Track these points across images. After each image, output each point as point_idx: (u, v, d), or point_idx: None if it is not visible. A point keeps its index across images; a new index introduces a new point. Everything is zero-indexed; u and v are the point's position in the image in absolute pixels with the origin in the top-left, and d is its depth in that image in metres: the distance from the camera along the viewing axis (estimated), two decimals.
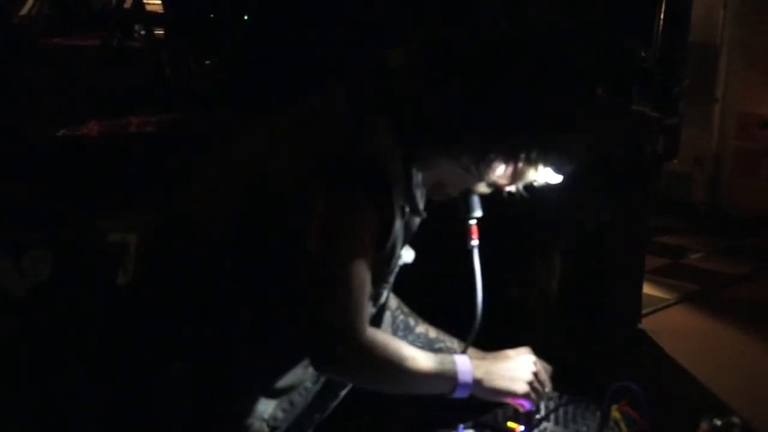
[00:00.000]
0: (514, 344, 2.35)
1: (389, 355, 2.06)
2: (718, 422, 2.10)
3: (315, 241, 2.00)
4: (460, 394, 2.17)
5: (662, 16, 4.57)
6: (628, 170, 4.47)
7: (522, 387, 2.25)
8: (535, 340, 2.45)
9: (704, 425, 2.10)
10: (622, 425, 2.18)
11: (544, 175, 2.21)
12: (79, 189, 3.58)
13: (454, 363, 2.15)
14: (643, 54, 4.50)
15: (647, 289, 5.34)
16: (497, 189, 2.25)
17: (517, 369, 2.26)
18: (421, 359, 2.11)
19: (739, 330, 5.32)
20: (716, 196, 7.84)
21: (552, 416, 2.28)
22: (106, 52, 4.93)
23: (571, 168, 2.21)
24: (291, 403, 2.19)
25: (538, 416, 2.30)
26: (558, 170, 2.20)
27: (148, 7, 5.19)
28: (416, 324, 2.54)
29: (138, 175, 3.75)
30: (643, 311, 5.15)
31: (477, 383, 2.18)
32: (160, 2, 5.18)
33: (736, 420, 2.11)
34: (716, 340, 5.20)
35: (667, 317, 5.53)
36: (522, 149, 2.13)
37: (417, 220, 2.27)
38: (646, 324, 5.11)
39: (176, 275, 2.14)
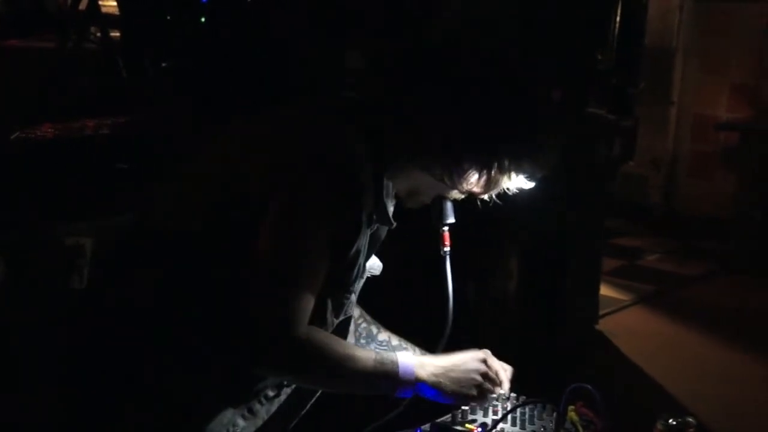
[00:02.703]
0: (470, 346, 2.35)
1: (326, 355, 2.05)
2: (674, 422, 2.10)
3: (266, 239, 1.99)
4: (403, 394, 2.17)
5: (618, 19, 4.60)
6: (585, 172, 4.49)
7: (468, 390, 2.24)
8: (492, 342, 2.44)
9: (660, 425, 2.11)
10: (579, 426, 2.19)
11: (516, 182, 2.22)
12: (34, 192, 3.55)
13: (395, 363, 2.14)
14: (599, 57, 4.52)
15: (604, 290, 5.37)
16: (471, 196, 2.25)
17: (464, 371, 2.24)
18: (361, 359, 2.09)
19: (694, 330, 5.37)
20: (672, 198, 7.90)
21: (509, 417, 2.28)
22: (61, 55, 4.89)
23: (542, 174, 2.21)
24: (251, 411, 2.17)
25: (494, 417, 2.30)
26: (530, 177, 2.21)
27: (104, 9, 5.16)
28: (378, 332, 2.54)
29: (93, 178, 3.73)
30: (600, 312, 5.18)
31: (421, 384, 2.17)
32: (115, 4, 5.15)
33: (691, 420, 2.12)
34: (672, 341, 5.24)
35: (623, 318, 5.56)
36: (495, 158, 2.14)
37: (384, 230, 2.27)
38: (603, 325, 5.14)
39: (134, 280, 2.13)
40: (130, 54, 4.90)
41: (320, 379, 2.14)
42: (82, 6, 5.07)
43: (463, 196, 2.27)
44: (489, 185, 2.19)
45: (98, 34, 5.11)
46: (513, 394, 2.41)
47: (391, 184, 2.20)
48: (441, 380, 2.20)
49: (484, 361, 2.28)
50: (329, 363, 2.06)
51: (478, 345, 2.37)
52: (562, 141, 2.28)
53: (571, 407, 2.21)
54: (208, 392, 2.10)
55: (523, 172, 2.19)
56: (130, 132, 4.13)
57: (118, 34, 5.13)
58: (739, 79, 7.47)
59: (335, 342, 2.09)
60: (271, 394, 2.19)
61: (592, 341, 4.96)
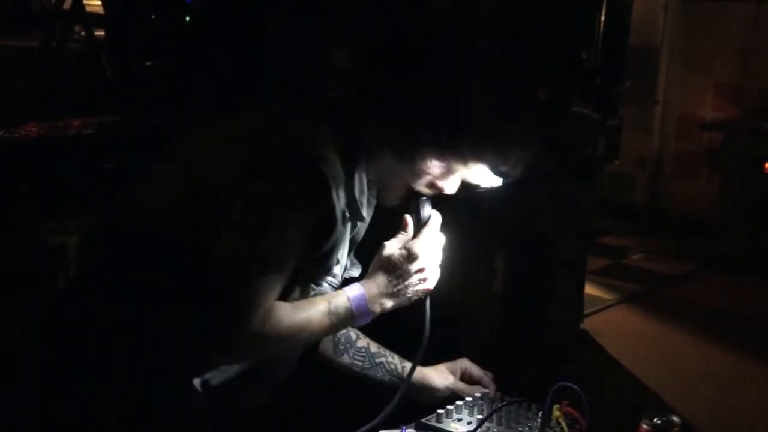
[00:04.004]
0: (457, 345, 2.36)
1: (284, 335, 2.08)
2: (658, 421, 2.11)
3: (231, 236, 2.03)
4: (363, 323, 2.23)
5: (603, 18, 4.60)
6: (570, 171, 4.50)
7: (417, 292, 2.26)
8: (477, 341, 2.45)
9: (644, 424, 2.11)
10: (564, 425, 2.19)
11: (481, 177, 2.23)
12: (18, 191, 3.54)
13: (350, 310, 2.17)
14: (584, 56, 4.53)
15: (589, 289, 5.38)
16: (438, 191, 2.27)
17: (406, 283, 2.24)
18: (317, 322, 2.13)
19: (679, 329, 5.38)
20: (657, 197, 7.91)
21: (494, 416, 2.29)
22: (46, 54, 4.88)
23: (510, 171, 2.22)
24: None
25: (479, 417, 2.31)
26: (496, 172, 2.22)
27: (89, 8, 5.15)
28: (357, 338, 2.56)
29: (78, 177, 3.72)
30: (585, 312, 5.19)
31: (374, 309, 2.21)
32: (100, 3, 5.14)
33: (675, 419, 2.13)
34: (657, 340, 5.25)
35: (608, 317, 5.57)
36: (454, 145, 2.18)
37: (363, 228, 2.29)
38: (588, 324, 5.15)
39: (113, 278, 2.14)
40: (114, 53, 4.89)
41: (282, 352, 2.22)
42: (67, 5, 5.06)
43: (431, 191, 2.28)
44: (449, 173, 2.23)
45: (82, 33, 5.10)
46: (498, 394, 2.42)
47: (365, 180, 2.22)
48: (393, 303, 2.23)
49: (409, 256, 2.25)
50: (287, 342, 2.14)
51: (463, 343, 2.38)
52: (535, 140, 2.27)
53: (556, 406, 2.22)
54: (184, 384, 2.12)
55: (487, 164, 2.22)
56: (117, 131, 4.12)
57: (102, 33, 5.11)
58: (724, 78, 7.48)
59: (291, 316, 2.10)
60: None
61: (578, 340, 4.97)
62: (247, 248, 2.04)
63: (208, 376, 2.14)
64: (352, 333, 2.55)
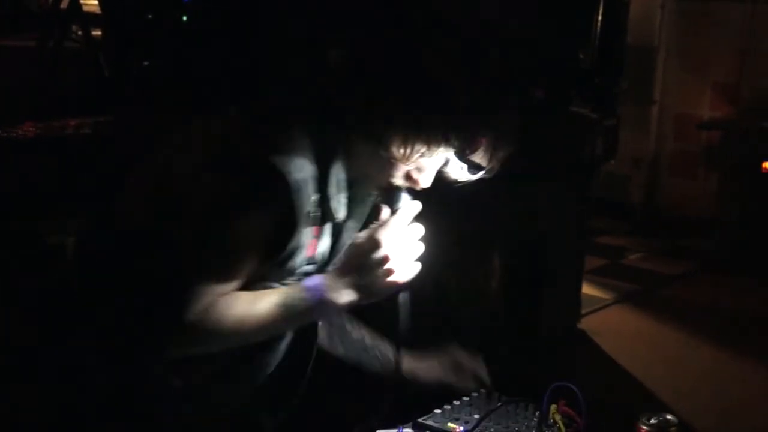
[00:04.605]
0: (452, 345, 2.35)
1: (227, 326, 2.06)
2: (655, 420, 2.11)
3: (184, 228, 2.04)
4: (325, 315, 2.19)
5: (600, 18, 4.60)
6: (567, 171, 4.50)
7: (379, 281, 2.15)
8: (473, 341, 2.45)
9: (641, 423, 2.12)
10: (561, 425, 2.19)
11: (456, 170, 2.17)
12: (15, 191, 3.55)
13: (304, 298, 2.11)
14: (582, 56, 4.53)
15: (586, 289, 5.38)
16: (414, 184, 2.20)
17: (370, 280, 2.15)
18: (265, 313, 2.09)
19: (677, 330, 5.37)
20: (654, 197, 7.91)
21: (491, 416, 2.29)
22: (43, 53, 4.88)
23: (482, 162, 2.16)
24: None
25: (476, 416, 2.31)
26: (465, 161, 2.17)
27: (86, 8, 5.14)
28: (352, 329, 2.54)
29: (75, 177, 3.72)
30: (583, 311, 5.18)
31: (334, 300, 2.14)
32: (97, 2, 5.14)
33: (672, 418, 2.13)
34: (654, 340, 5.25)
35: (606, 317, 5.57)
36: (419, 126, 2.08)
37: (353, 227, 2.26)
38: (586, 324, 5.15)
39: (96, 277, 2.16)
40: (111, 52, 4.89)
41: (231, 344, 2.14)
42: (64, 4, 5.05)
43: (408, 184, 2.20)
44: (410, 155, 2.11)
45: (80, 33, 5.10)
46: (495, 393, 2.42)
47: (343, 178, 2.17)
48: (357, 295, 2.16)
49: (372, 245, 2.16)
50: (234, 336, 2.09)
51: (460, 342, 2.37)
52: (505, 128, 2.21)
53: (553, 406, 2.22)
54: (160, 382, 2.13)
55: (453, 149, 2.13)
56: (114, 131, 4.13)
57: (99, 32, 5.11)
58: (721, 77, 7.48)
59: (235, 309, 2.07)
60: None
61: (575, 340, 4.97)
62: (194, 244, 2.04)
63: (184, 373, 2.13)
64: (348, 324, 2.53)
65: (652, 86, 7.73)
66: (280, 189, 2.02)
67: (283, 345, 2.21)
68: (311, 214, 2.10)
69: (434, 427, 2.27)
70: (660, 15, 7.63)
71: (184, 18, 4.67)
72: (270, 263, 2.10)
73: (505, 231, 4.23)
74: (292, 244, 2.09)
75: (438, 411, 2.30)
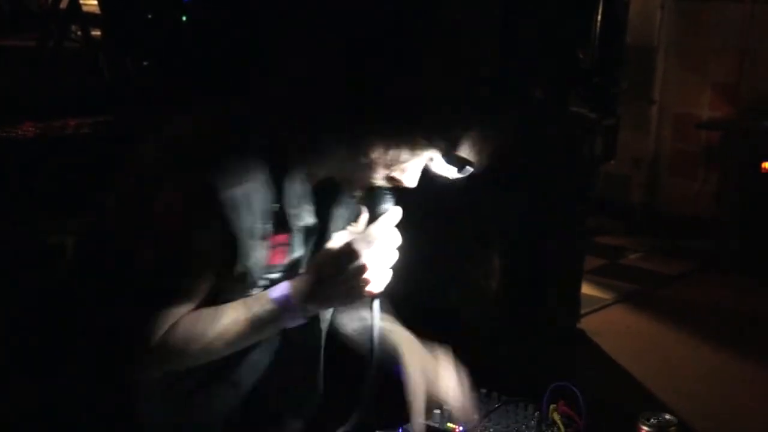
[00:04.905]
0: (454, 345, 2.34)
1: (193, 345, 2.02)
2: (655, 420, 2.11)
3: (137, 242, 2.01)
4: (292, 324, 2.08)
5: (600, 18, 4.60)
6: (567, 171, 4.50)
7: (352, 291, 2.06)
8: (473, 341, 2.44)
9: (641, 424, 2.11)
10: (561, 425, 2.19)
11: (441, 168, 2.10)
12: (15, 191, 3.55)
13: (272, 309, 2.03)
14: (581, 56, 4.53)
15: (586, 289, 5.38)
16: (397, 184, 2.09)
17: (347, 287, 2.05)
18: (231, 327, 2.03)
19: (676, 329, 5.38)
20: (654, 196, 7.92)
21: (491, 416, 2.29)
22: (43, 53, 4.88)
23: (467, 158, 2.11)
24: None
25: (475, 416, 2.30)
26: (449, 160, 2.10)
27: (85, 8, 5.15)
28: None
29: (74, 177, 3.72)
30: (582, 311, 5.19)
31: (304, 306, 2.06)
32: (97, 3, 5.14)
33: (672, 418, 2.13)
34: (654, 340, 5.26)
35: (605, 317, 5.58)
36: (399, 126, 1.99)
37: (330, 232, 2.18)
38: (585, 324, 5.15)
39: (89, 278, 2.15)
40: (111, 52, 4.89)
41: (198, 361, 2.09)
42: (63, 5, 5.06)
43: (391, 184, 2.09)
44: (394, 161, 2.02)
45: (79, 33, 5.10)
46: (494, 393, 2.41)
47: (307, 186, 2.10)
48: (329, 302, 2.12)
49: (349, 254, 2.04)
50: (200, 353, 2.04)
51: (460, 343, 2.37)
52: (487, 124, 2.15)
53: (553, 406, 2.22)
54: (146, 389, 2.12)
55: (437, 149, 2.03)
56: (114, 130, 4.13)
57: (99, 32, 5.12)
58: (721, 77, 7.49)
59: (196, 327, 2.02)
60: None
61: (574, 340, 4.97)
62: (144, 262, 1.99)
63: (170, 380, 2.12)
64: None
65: (651, 86, 7.74)
66: (212, 207, 1.95)
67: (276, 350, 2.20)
68: (262, 225, 2.02)
69: (434, 427, 2.27)
70: (660, 15, 7.64)
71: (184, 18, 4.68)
72: (227, 277, 2.04)
73: (505, 231, 4.23)
74: (242, 258, 2.02)
75: (437, 411, 2.30)
